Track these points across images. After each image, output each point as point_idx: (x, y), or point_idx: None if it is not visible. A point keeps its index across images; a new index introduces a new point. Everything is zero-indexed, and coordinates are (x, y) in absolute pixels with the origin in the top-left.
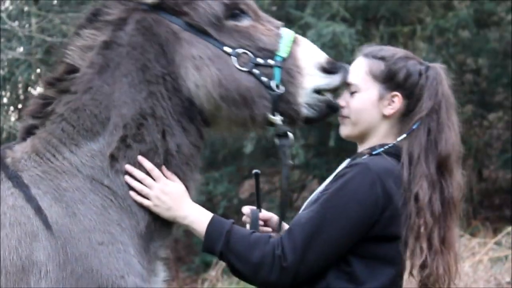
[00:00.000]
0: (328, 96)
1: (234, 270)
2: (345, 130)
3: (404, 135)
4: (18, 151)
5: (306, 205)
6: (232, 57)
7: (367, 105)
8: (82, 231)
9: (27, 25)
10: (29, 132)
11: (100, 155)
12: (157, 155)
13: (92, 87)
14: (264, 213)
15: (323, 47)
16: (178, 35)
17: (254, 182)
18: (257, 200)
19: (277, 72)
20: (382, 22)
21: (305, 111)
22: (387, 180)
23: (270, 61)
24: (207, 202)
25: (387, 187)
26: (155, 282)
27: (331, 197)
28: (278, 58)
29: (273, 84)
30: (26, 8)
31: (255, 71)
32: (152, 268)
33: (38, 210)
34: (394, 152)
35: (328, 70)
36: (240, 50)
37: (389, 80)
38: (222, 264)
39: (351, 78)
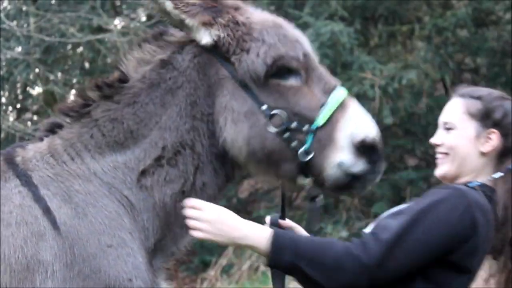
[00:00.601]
0: (360, 170)
1: (307, 279)
2: (443, 168)
3: (502, 174)
4: (31, 151)
5: (383, 218)
6: (265, 116)
7: (464, 141)
8: (91, 232)
9: (25, 25)
10: (51, 130)
11: (124, 167)
12: (185, 185)
13: (137, 102)
14: (288, 222)
15: (321, 46)
16: (225, 83)
17: (281, 195)
18: (282, 210)
19: (309, 138)
20: (380, 21)
21: (330, 182)
22: (477, 212)
23: (305, 128)
24: None
25: (477, 219)
26: None
27: (424, 210)
28: (313, 126)
29: (301, 150)
30: (24, 8)
31: (286, 135)
32: (157, 282)
33: (47, 211)
34: (485, 190)
35: (361, 151)
36: (275, 111)
37: (486, 118)
38: (221, 263)
39: (447, 118)
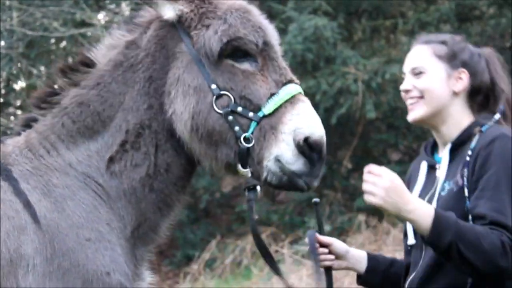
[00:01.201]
0: (297, 169)
1: (461, 260)
2: (419, 112)
3: (499, 115)
4: (10, 145)
5: (444, 199)
6: (213, 95)
7: (437, 82)
8: (70, 226)
9: (8, 19)
10: (27, 125)
11: (96, 156)
12: (149, 167)
13: (100, 83)
14: (326, 238)
15: (305, 40)
16: (181, 56)
17: (315, 211)
18: (318, 227)
19: (252, 126)
20: (364, 16)
21: (265, 174)
22: None
23: (250, 114)
24: (190, 196)
25: None
26: (141, 286)
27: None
28: (259, 114)
29: (243, 136)
30: (7, 2)
31: (230, 117)
32: (138, 273)
33: (27, 204)
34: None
35: (303, 150)
36: (224, 92)
37: (454, 59)
38: (205, 258)
39: (416, 63)
